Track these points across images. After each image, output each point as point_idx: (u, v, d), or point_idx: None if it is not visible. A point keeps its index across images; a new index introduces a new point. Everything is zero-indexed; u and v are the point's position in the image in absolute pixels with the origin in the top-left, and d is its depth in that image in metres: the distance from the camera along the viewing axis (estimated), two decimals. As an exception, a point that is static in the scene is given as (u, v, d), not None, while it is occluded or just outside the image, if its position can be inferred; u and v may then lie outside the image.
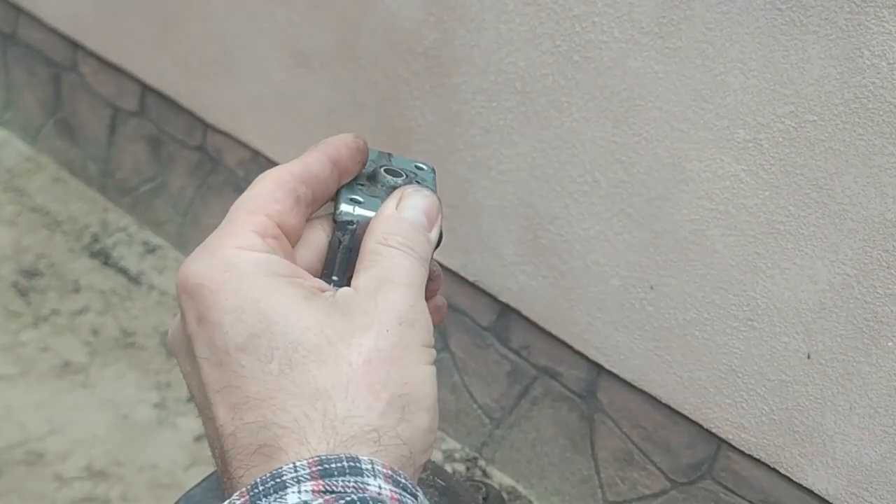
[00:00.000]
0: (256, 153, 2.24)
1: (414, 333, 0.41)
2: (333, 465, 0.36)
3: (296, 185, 0.44)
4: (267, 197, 0.44)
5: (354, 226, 0.45)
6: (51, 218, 2.52)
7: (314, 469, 0.36)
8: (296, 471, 0.36)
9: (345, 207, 0.46)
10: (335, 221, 0.46)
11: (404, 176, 0.48)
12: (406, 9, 1.85)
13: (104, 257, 2.43)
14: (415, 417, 0.40)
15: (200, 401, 0.42)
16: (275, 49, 2.09)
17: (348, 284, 0.44)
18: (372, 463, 0.37)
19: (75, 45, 2.52)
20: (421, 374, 0.41)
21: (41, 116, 2.70)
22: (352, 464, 0.37)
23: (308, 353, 0.39)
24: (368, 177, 0.48)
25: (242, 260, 0.41)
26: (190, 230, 2.47)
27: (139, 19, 2.33)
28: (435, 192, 0.47)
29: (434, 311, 0.48)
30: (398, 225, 0.44)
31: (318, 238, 0.46)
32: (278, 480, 0.36)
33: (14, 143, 2.74)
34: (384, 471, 0.37)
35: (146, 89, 2.42)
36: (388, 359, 0.40)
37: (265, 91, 2.15)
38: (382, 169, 0.48)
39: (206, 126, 2.33)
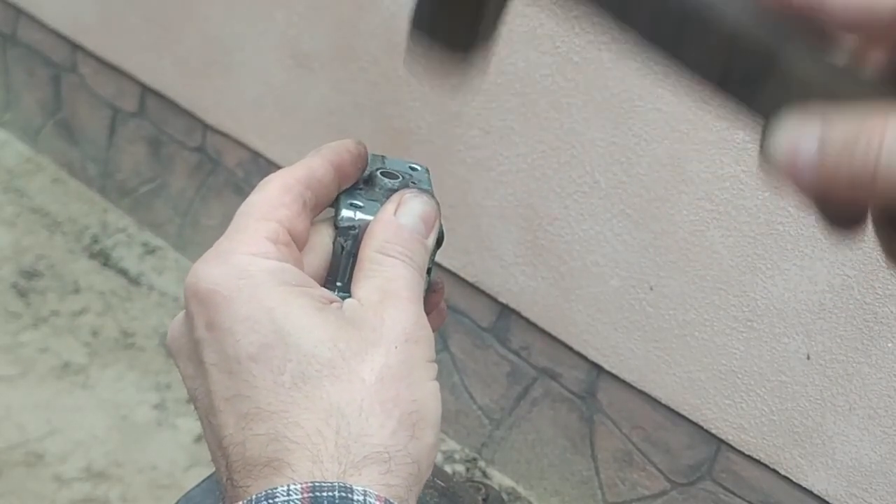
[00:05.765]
0: (256, 154, 2.24)
1: (419, 350, 0.41)
2: (325, 494, 0.36)
3: (302, 191, 0.44)
4: (275, 202, 0.43)
5: (356, 231, 0.45)
6: (50, 219, 2.52)
7: (306, 496, 0.36)
8: (288, 495, 0.36)
9: (346, 213, 0.45)
10: (336, 227, 0.46)
11: (400, 178, 0.48)
12: (406, 9, 1.85)
13: (104, 258, 2.43)
14: (423, 435, 0.40)
15: (205, 406, 0.41)
16: (274, 50, 2.09)
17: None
18: (365, 494, 0.37)
19: (75, 46, 2.52)
20: (427, 391, 0.41)
21: (41, 117, 2.71)
22: (343, 494, 0.36)
23: (321, 368, 0.39)
24: (365, 180, 0.48)
25: (257, 267, 0.41)
26: (190, 231, 2.47)
27: (139, 20, 2.34)
28: (432, 193, 0.47)
29: (435, 316, 0.48)
30: (396, 233, 0.44)
31: (322, 244, 0.45)
32: (271, 501, 0.36)
33: (14, 143, 2.74)
34: (376, 503, 0.37)
35: (146, 90, 2.42)
36: (397, 376, 0.40)
37: (265, 92, 2.15)
38: (378, 172, 0.48)
39: (206, 127, 2.33)
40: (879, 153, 0.32)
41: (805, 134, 0.34)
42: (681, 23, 0.37)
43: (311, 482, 0.37)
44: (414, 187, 0.48)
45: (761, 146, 0.36)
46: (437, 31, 0.43)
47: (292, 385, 0.39)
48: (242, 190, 2.30)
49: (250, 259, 0.41)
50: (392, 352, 0.40)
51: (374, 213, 0.45)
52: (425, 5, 0.43)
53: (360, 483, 0.37)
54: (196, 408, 0.42)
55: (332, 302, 0.42)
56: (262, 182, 0.45)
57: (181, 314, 0.43)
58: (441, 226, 0.46)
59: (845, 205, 0.35)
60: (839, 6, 0.34)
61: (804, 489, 1.67)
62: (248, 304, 0.40)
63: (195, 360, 0.42)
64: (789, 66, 0.36)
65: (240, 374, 0.39)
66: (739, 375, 1.67)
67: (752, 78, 0.36)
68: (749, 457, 1.72)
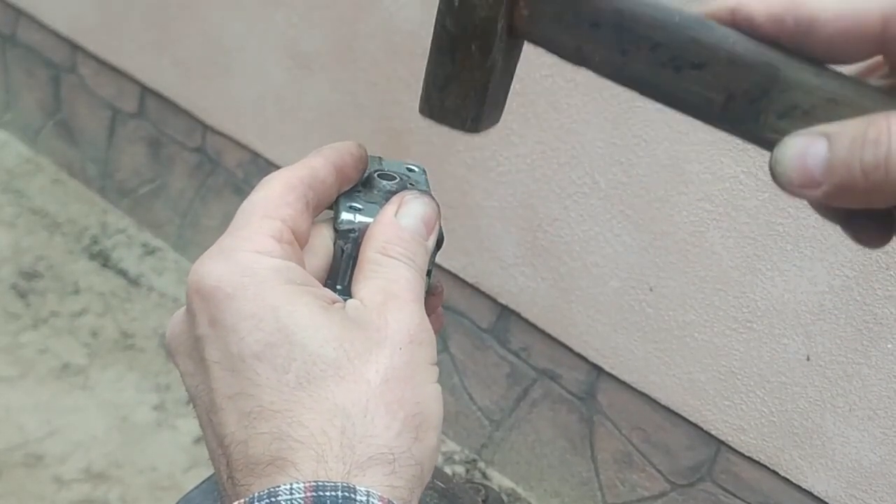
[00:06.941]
0: (256, 155, 2.24)
1: (423, 351, 0.41)
2: (328, 493, 0.36)
3: (305, 190, 0.44)
4: (279, 201, 0.43)
5: (356, 233, 0.45)
6: (50, 219, 2.52)
7: (308, 495, 0.36)
8: (291, 493, 0.36)
9: (345, 216, 0.45)
10: (336, 230, 0.45)
11: (398, 179, 0.48)
12: (405, 10, 1.85)
13: (103, 259, 2.43)
14: (426, 437, 0.40)
15: (205, 404, 0.41)
16: (274, 50, 2.09)
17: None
18: (368, 495, 0.37)
19: (75, 47, 2.52)
20: (430, 393, 0.41)
21: (41, 118, 2.70)
22: (346, 494, 0.36)
23: (326, 368, 0.39)
24: (363, 183, 0.48)
25: (261, 265, 0.41)
26: (189, 232, 2.47)
27: (139, 21, 2.34)
28: (431, 194, 0.47)
29: (433, 320, 0.48)
30: (397, 234, 0.44)
31: (322, 245, 0.45)
32: (273, 500, 0.36)
33: (14, 144, 2.74)
34: None
35: (145, 91, 2.42)
36: (402, 378, 0.40)
37: (264, 93, 2.15)
38: (376, 174, 0.48)
39: (206, 127, 2.33)
40: (889, 145, 0.32)
41: (814, 139, 0.35)
42: (678, 66, 0.38)
43: (315, 481, 0.37)
44: (412, 188, 0.48)
45: (771, 163, 0.36)
46: (445, 118, 0.44)
47: (297, 384, 0.39)
48: (242, 190, 2.30)
49: (254, 257, 0.41)
50: (397, 353, 0.40)
51: (373, 216, 0.45)
52: (432, 94, 0.44)
53: (363, 484, 0.37)
54: (195, 406, 0.42)
55: (334, 302, 0.42)
56: (264, 180, 0.44)
57: (181, 311, 0.43)
58: (441, 227, 0.46)
59: (863, 206, 0.35)
60: (830, 19, 0.35)
61: (804, 490, 1.67)
62: (252, 302, 0.40)
63: (196, 357, 0.41)
64: (791, 79, 0.36)
65: (243, 372, 0.39)
66: (739, 376, 1.67)
67: (755, 96, 0.37)
68: (749, 458, 1.72)
